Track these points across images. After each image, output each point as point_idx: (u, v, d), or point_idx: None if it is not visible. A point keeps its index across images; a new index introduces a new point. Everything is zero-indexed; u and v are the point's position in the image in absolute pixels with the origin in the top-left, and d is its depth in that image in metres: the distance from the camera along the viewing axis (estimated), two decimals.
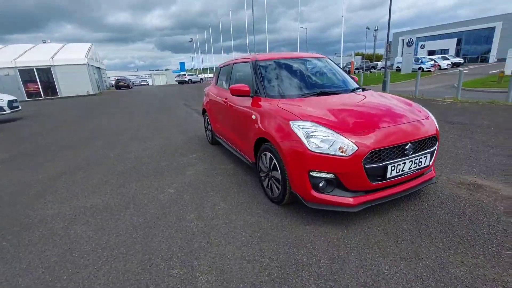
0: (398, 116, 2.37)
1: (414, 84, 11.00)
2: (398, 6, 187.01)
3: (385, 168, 2.09)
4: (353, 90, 3.17)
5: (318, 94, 2.90)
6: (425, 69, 26.63)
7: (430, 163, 2.41)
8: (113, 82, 39.40)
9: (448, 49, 38.54)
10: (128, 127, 7.60)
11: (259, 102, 2.85)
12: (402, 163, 2.17)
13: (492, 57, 35.44)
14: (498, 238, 1.98)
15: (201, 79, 46.34)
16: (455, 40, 39.34)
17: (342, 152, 2.02)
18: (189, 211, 2.64)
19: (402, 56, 30.57)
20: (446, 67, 28.24)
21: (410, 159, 2.20)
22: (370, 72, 34.64)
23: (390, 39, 19.49)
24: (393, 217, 2.33)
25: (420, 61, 28.43)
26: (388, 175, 2.12)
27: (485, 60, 36.34)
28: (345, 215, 2.37)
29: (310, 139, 2.11)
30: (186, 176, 3.57)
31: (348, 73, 8.80)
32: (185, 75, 44.36)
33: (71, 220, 2.60)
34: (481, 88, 11.81)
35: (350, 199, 2.11)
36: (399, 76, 23.28)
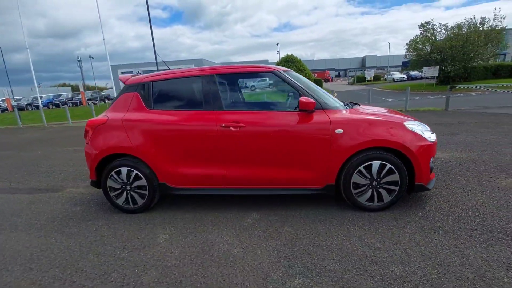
0: None
1: None
2: (94, 40, 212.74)
3: None
4: None
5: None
6: None
7: None
8: None
9: None
10: None
11: (331, 115, 2.63)
12: None
13: None
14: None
15: None
16: None
17: (432, 139, 2.65)
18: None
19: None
20: None
21: None
22: (104, 102, 31.87)
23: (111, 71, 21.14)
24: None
25: None
26: None
27: None
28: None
29: (426, 133, 2.62)
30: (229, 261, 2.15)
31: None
32: None
33: None
34: None
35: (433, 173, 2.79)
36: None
